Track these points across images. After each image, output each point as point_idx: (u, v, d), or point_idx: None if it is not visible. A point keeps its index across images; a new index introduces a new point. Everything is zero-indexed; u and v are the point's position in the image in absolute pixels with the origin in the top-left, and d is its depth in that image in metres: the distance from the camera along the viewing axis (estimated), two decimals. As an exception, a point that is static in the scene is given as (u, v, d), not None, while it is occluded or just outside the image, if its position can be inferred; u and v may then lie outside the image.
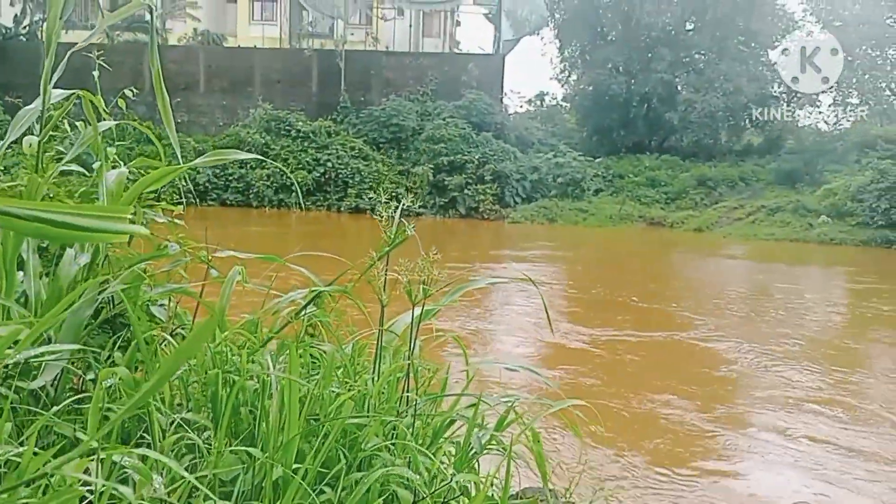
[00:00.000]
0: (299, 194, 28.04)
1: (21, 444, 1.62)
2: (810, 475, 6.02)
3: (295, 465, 1.84)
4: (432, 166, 27.49)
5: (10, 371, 1.92)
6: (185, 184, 4.12)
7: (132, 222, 2.37)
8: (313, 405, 2.08)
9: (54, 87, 2.51)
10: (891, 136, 27.29)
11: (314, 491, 1.82)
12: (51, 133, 2.62)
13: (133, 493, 1.46)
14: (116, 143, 3.22)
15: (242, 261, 2.62)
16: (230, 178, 26.92)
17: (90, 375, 2.17)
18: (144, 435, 1.95)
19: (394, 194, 25.64)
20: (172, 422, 1.93)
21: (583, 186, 28.04)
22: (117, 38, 30.95)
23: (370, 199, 25.83)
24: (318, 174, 27.42)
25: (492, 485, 2.13)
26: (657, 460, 6.10)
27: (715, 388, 8.34)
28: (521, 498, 2.64)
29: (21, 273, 2.23)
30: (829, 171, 26.93)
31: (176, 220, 2.84)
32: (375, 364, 2.35)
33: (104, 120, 2.80)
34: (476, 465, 2.29)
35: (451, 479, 2.01)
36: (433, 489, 2.00)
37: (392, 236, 2.36)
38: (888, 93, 32.77)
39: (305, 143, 28.35)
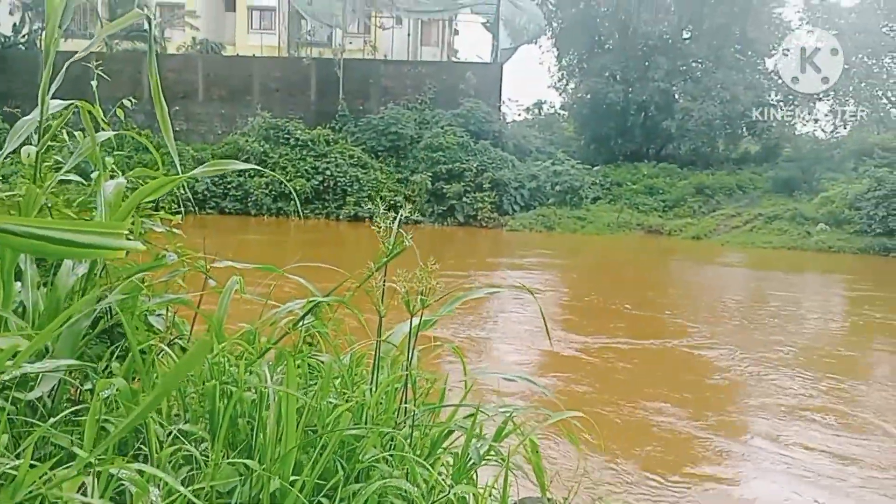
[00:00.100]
0: (298, 203, 28.05)
1: (18, 456, 1.62)
2: (803, 482, 6.01)
3: (292, 477, 1.83)
4: (430, 174, 27.51)
5: (6, 382, 1.91)
6: (183, 192, 4.13)
7: (129, 235, 2.37)
8: (311, 416, 2.07)
9: (53, 97, 2.51)
10: (888, 143, 27.36)
11: (312, 503, 1.82)
12: (49, 143, 2.63)
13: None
14: (115, 152, 3.23)
15: (240, 270, 2.62)
16: (229, 186, 26.93)
17: (88, 385, 2.17)
18: (142, 447, 1.94)
19: (392, 202, 25.76)
20: (170, 433, 1.93)
21: (581, 194, 28.07)
22: (116, 47, 31.02)
23: (368, 209, 25.86)
24: (316, 182, 27.43)
25: (490, 496, 2.13)
26: (649, 467, 6.10)
27: (707, 395, 8.33)
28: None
29: (19, 283, 2.23)
30: (827, 179, 26.97)
31: (174, 230, 2.84)
32: (373, 375, 2.34)
33: (103, 129, 2.81)
34: (474, 477, 2.29)
35: (450, 491, 2.01)
36: (431, 501, 2.00)
37: (390, 247, 2.37)
38: (885, 101, 32.91)
39: (304, 152, 28.37)
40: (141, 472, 1.61)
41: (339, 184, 27.50)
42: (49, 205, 2.64)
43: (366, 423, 2.14)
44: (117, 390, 1.99)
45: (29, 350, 1.59)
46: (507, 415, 2.39)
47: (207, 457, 1.89)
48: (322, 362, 2.45)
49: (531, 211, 27.39)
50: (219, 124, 31.12)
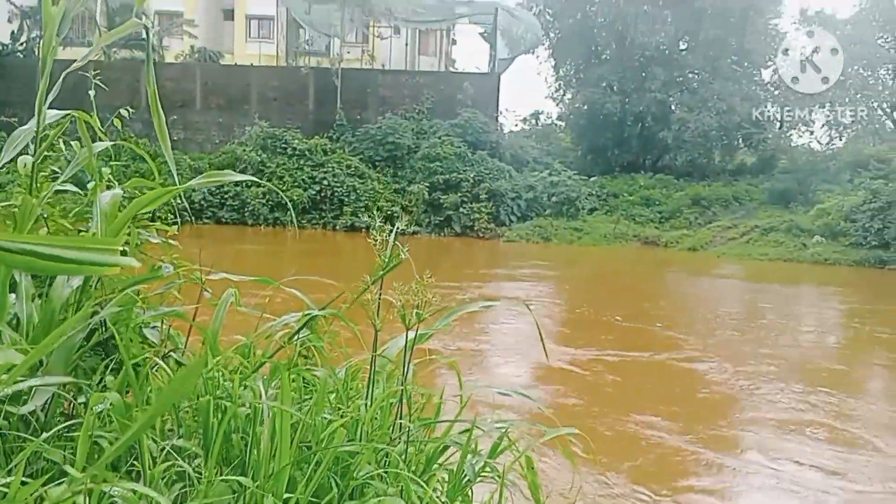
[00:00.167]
0: (293, 214, 27.99)
1: (10, 472, 1.60)
2: (792, 497, 6.02)
3: (286, 495, 1.82)
4: (428, 185, 27.52)
5: (-1, 396, 1.90)
6: (180, 202, 4.13)
7: (125, 248, 2.35)
8: (305, 432, 2.06)
9: (51, 106, 2.50)
10: (883, 155, 27.46)
11: (305, 520, 1.80)
12: (46, 153, 2.62)
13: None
14: (112, 161, 3.22)
15: (236, 282, 2.61)
16: (226, 196, 26.88)
17: (82, 399, 2.15)
18: (135, 463, 1.93)
19: (389, 213, 25.76)
20: (163, 449, 1.91)
21: (577, 205, 28.11)
22: (114, 56, 31.01)
23: (365, 220, 25.84)
24: (313, 192, 27.41)
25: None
26: (639, 480, 6.09)
27: (698, 408, 8.31)
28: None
29: (13, 295, 2.21)
30: (822, 191, 27.04)
31: (170, 241, 2.83)
32: (368, 389, 2.33)
33: (99, 139, 2.80)
34: (469, 493, 2.27)
35: (444, 508, 1.99)
36: (426, 518, 1.99)
37: (386, 260, 2.36)
38: (880, 112, 33.06)
39: (301, 161, 28.36)
40: (133, 491, 1.60)
41: (336, 194, 27.50)
42: (45, 215, 2.64)
43: (360, 439, 2.13)
44: (111, 405, 1.97)
45: (24, 365, 1.58)
46: (503, 430, 2.37)
47: (200, 473, 1.88)
48: (317, 376, 2.43)
49: (528, 221, 27.41)
50: (216, 133, 31.11)
